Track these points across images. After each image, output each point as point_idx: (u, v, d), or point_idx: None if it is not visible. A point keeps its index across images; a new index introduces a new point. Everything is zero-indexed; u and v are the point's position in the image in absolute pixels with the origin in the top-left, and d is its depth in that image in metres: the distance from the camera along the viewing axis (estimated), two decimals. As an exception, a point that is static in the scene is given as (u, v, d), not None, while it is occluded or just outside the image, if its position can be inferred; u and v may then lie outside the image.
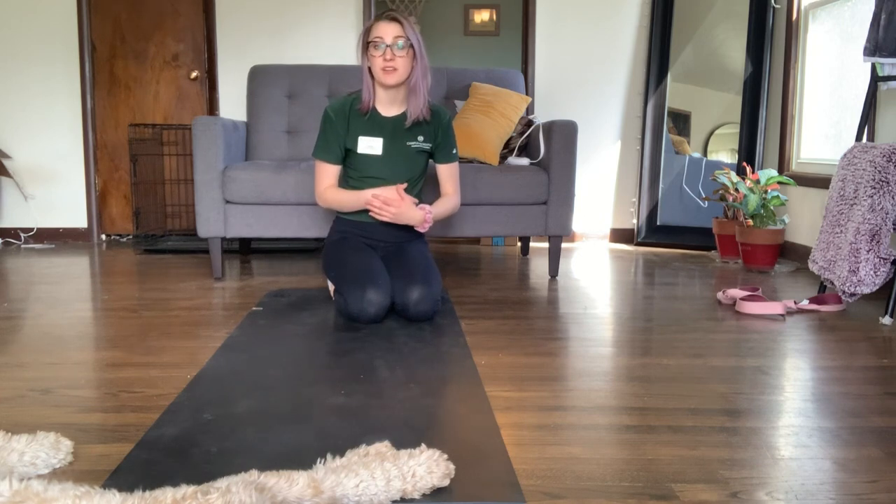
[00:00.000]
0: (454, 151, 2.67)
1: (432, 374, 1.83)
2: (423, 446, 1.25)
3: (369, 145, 2.55)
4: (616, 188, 4.62)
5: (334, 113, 2.55)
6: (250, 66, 3.82)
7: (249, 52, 4.49)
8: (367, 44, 2.46)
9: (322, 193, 2.61)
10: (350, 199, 2.55)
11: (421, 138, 2.60)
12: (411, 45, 2.45)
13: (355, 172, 2.60)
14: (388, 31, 2.42)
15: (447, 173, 2.68)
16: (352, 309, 2.33)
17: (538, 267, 3.64)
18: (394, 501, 1.16)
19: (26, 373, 1.87)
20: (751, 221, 3.53)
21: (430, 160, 2.70)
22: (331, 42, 4.50)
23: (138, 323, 2.42)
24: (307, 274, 3.39)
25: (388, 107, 2.57)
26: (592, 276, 3.39)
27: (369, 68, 2.49)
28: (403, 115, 2.58)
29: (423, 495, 1.18)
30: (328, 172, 2.59)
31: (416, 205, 2.53)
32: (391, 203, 2.45)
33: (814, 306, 2.67)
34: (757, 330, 2.36)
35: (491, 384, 1.78)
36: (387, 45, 2.41)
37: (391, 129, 2.57)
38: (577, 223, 4.63)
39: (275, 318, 2.44)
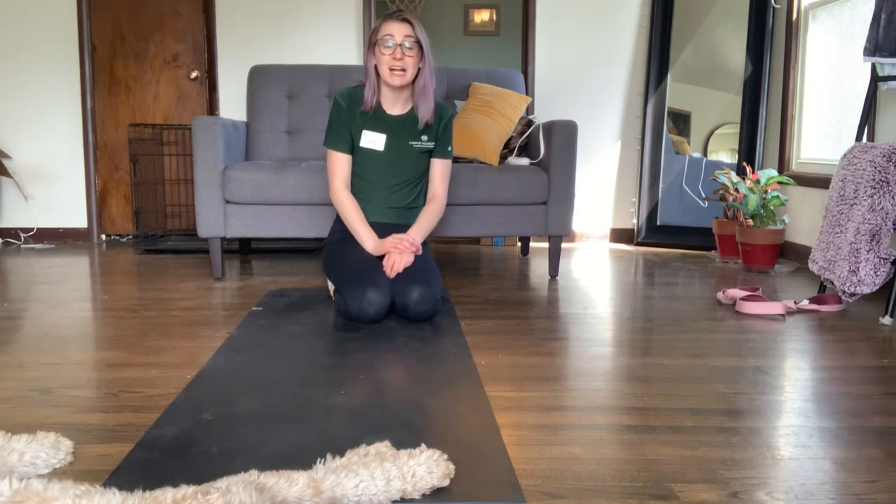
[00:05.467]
0: (450, 149, 2.67)
1: (432, 374, 1.83)
2: (423, 446, 1.25)
3: (372, 140, 2.55)
4: (616, 188, 4.62)
5: (343, 100, 2.56)
6: (250, 66, 3.82)
7: (249, 52, 4.49)
8: (374, 42, 2.46)
9: (337, 192, 2.58)
10: (357, 228, 2.52)
11: (425, 138, 2.60)
12: (420, 46, 2.45)
13: (356, 167, 2.60)
14: (398, 30, 2.42)
15: (440, 171, 2.67)
16: (352, 309, 2.33)
17: (538, 267, 3.64)
18: (394, 501, 1.16)
19: (26, 373, 1.87)
20: (751, 221, 3.53)
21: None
22: (331, 42, 4.50)
23: (138, 323, 2.42)
24: (307, 274, 3.39)
25: (392, 105, 2.57)
26: (592, 276, 3.39)
27: (375, 67, 2.49)
28: (408, 115, 2.58)
29: (423, 495, 1.18)
30: (340, 164, 2.58)
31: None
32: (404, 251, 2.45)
33: (814, 306, 2.67)
34: (757, 330, 2.36)
35: (491, 384, 1.78)
36: (396, 44, 2.41)
37: (395, 128, 2.57)
38: (577, 223, 4.63)
39: (275, 318, 2.44)
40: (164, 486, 1.02)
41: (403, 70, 2.44)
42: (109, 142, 4.64)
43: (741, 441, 1.44)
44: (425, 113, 2.54)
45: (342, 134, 2.56)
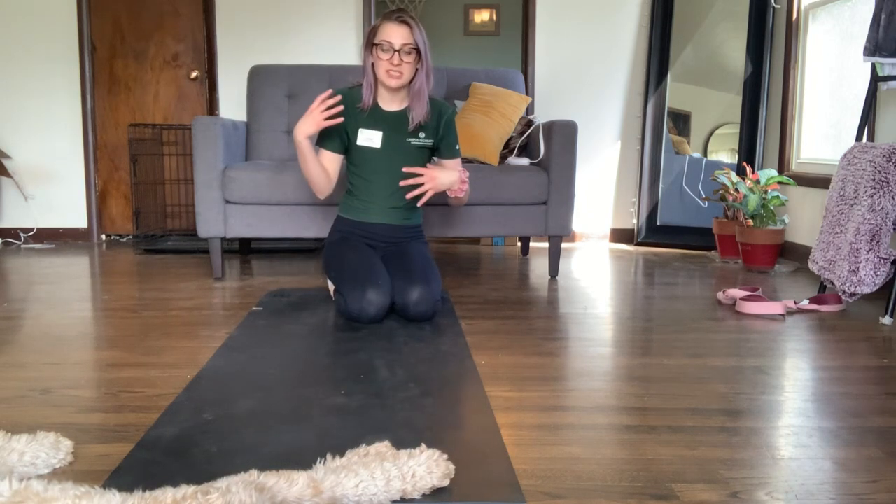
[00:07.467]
0: (457, 147, 2.67)
1: (432, 374, 1.83)
2: (423, 446, 1.25)
3: (368, 138, 2.55)
4: (616, 188, 4.62)
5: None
6: (250, 66, 3.82)
7: (249, 52, 4.49)
8: (373, 43, 2.45)
9: None
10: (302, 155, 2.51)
11: (423, 135, 2.60)
12: (417, 51, 2.45)
13: (356, 167, 2.60)
14: (396, 36, 2.41)
15: (454, 168, 2.67)
16: (352, 309, 2.33)
17: (538, 267, 3.64)
18: (394, 501, 1.16)
19: (26, 373, 1.87)
20: (751, 221, 3.53)
21: (434, 157, 2.69)
22: (331, 42, 4.50)
23: (138, 323, 2.42)
24: (307, 274, 3.39)
25: (389, 102, 2.57)
26: (592, 276, 3.39)
27: (372, 65, 2.49)
28: (405, 111, 2.58)
29: (423, 495, 1.18)
30: (327, 159, 2.60)
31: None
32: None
33: (814, 306, 2.67)
34: (757, 330, 2.36)
35: (491, 384, 1.78)
36: (395, 51, 2.41)
37: (392, 124, 2.57)
38: (577, 223, 4.63)
39: (275, 318, 2.44)
40: (164, 486, 1.02)
41: (400, 73, 2.44)
42: (109, 142, 4.64)
43: (741, 441, 1.44)
44: (418, 114, 2.54)
45: (332, 135, 2.57)
